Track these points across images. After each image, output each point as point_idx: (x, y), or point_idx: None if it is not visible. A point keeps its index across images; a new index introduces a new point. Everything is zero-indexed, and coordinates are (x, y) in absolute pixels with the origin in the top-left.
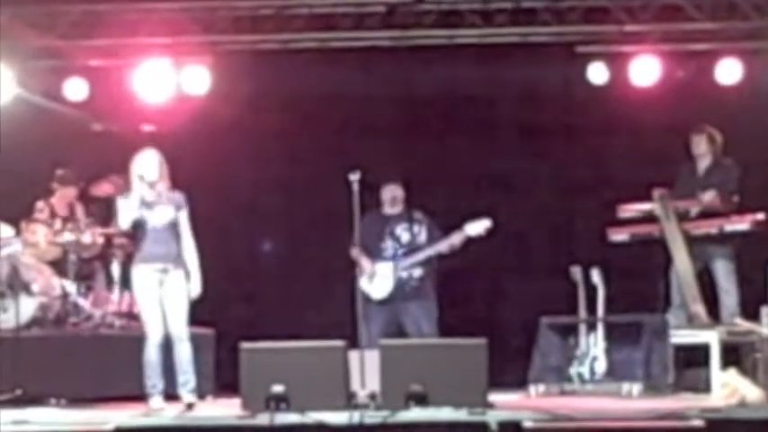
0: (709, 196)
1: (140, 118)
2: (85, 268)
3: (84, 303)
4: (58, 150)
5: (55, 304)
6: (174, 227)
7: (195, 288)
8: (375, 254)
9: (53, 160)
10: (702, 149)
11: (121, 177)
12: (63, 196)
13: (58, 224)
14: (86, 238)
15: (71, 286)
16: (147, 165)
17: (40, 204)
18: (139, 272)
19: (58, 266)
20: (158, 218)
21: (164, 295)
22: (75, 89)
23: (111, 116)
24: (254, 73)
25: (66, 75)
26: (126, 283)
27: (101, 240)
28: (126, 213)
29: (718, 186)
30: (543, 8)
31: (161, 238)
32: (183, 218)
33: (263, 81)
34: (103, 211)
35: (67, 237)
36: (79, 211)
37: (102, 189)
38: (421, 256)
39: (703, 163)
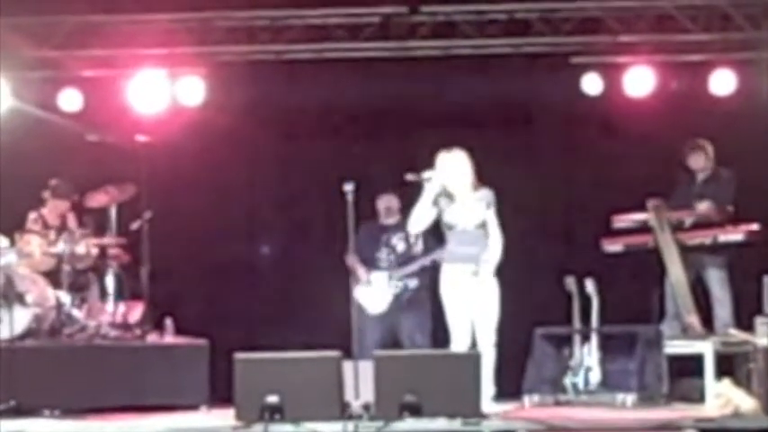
0: (703, 206)
1: (135, 129)
2: (80, 279)
3: (79, 314)
4: (53, 161)
5: (49, 315)
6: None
7: None
8: (371, 264)
9: (48, 171)
10: (701, 164)
11: (116, 188)
12: (54, 207)
13: (52, 235)
14: (80, 248)
15: (65, 297)
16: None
17: (33, 215)
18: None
19: (53, 277)
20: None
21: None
22: (70, 100)
23: (105, 127)
24: (248, 84)
25: (61, 85)
26: (120, 293)
27: (95, 251)
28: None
29: (713, 197)
30: (537, 19)
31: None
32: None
33: (257, 92)
34: (98, 222)
35: (62, 247)
36: (71, 221)
37: (97, 200)
38: (416, 266)
39: (701, 174)
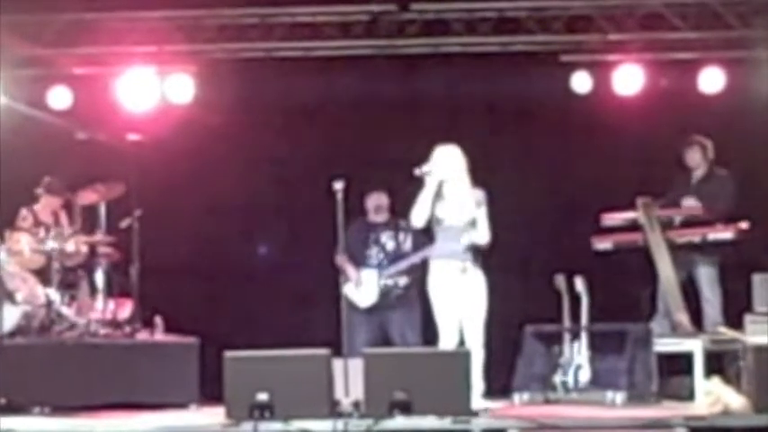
0: (689, 203)
1: (124, 126)
2: (69, 276)
3: (69, 312)
4: (42, 159)
5: (39, 313)
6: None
7: None
8: (360, 261)
9: (37, 169)
10: (697, 161)
11: (105, 185)
12: (47, 204)
13: (41, 232)
14: (70, 246)
15: (55, 295)
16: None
17: (23, 212)
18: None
19: (42, 275)
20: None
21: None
22: (59, 98)
23: (94, 125)
24: (238, 81)
25: (50, 83)
26: (110, 291)
27: (84, 249)
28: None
29: (707, 197)
30: (527, 17)
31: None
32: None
33: (246, 89)
34: (87, 220)
35: (51, 245)
36: (63, 219)
37: (87, 198)
38: (406, 263)
39: (697, 173)
